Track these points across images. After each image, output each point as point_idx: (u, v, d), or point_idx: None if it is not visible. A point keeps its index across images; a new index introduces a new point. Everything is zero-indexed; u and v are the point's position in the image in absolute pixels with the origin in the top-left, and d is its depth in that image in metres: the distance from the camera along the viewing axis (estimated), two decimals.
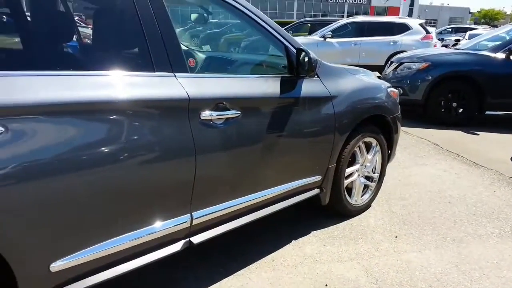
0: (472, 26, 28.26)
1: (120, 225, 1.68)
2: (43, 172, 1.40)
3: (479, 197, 3.42)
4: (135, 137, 1.64)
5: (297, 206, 2.57)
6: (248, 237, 2.63)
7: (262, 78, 2.26)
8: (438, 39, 12.37)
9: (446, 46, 11.16)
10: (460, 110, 5.91)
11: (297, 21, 14.09)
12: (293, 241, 2.64)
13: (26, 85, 1.39)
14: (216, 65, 3.15)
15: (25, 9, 1.81)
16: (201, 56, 3.19)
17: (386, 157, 3.16)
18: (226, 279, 2.23)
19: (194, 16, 3.31)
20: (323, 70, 2.54)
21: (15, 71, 1.42)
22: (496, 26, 26.04)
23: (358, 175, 2.97)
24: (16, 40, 1.76)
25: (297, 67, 2.31)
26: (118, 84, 1.62)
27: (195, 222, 1.94)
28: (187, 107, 1.79)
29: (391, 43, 9.83)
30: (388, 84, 3.21)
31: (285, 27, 11.19)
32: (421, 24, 10.23)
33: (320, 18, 21.22)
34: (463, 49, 6.49)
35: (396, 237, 2.74)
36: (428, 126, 5.85)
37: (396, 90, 3.27)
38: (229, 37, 10.94)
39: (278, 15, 46.02)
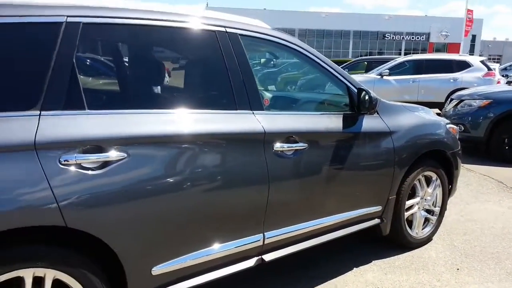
0: None
1: (204, 240, 1.97)
2: (154, 192, 1.73)
3: None
4: (222, 165, 1.97)
5: (359, 237, 2.71)
6: (312, 262, 2.80)
7: (325, 114, 2.53)
8: (502, 75, 12.02)
9: (510, 82, 10.80)
10: None
11: (353, 60, 14.35)
12: (355, 269, 2.77)
13: (143, 121, 1.75)
14: (284, 103, 3.47)
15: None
16: (267, 95, 3.52)
17: (447, 192, 3.24)
18: None
19: (263, 60, 3.67)
20: (382, 107, 2.75)
21: (131, 109, 1.77)
22: None
23: (419, 208, 3.08)
24: (129, 83, 2.15)
25: (358, 105, 2.55)
26: (214, 120, 1.97)
27: (266, 241, 2.19)
28: (263, 140, 2.09)
29: (451, 80, 9.73)
30: (447, 121, 3.34)
31: (342, 66, 11.45)
32: (482, 61, 10.07)
33: (377, 56, 21.34)
34: None
35: (457, 269, 2.78)
36: (491, 164, 5.73)
37: (455, 127, 3.38)
38: (286, 76, 11.39)
39: (333, 54, 46.53)
